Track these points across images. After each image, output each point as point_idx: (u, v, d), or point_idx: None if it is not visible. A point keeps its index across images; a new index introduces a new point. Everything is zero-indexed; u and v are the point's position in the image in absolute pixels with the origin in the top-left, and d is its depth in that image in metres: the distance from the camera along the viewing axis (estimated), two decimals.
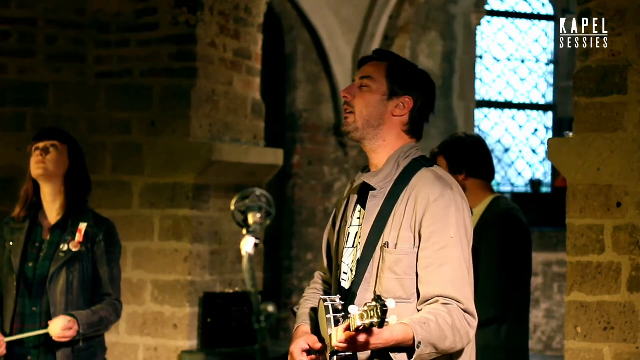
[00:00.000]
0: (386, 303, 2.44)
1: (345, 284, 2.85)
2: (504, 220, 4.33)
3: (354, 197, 2.92)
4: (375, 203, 2.81)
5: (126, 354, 5.67)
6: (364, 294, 2.76)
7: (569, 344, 4.05)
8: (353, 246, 2.86)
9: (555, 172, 10.18)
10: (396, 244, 2.73)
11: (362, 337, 2.54)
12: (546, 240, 9.61)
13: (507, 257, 4.28)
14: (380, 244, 2.75)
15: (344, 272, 2.86)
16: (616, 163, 3.99)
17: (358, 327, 2.49)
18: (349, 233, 2.89)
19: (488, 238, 4.25)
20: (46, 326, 3.88)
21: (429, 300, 2.69)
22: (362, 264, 2.78)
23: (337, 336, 2.63)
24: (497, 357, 4.27)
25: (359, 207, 2.89)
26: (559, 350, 9.37)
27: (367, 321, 2.46)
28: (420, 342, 2.58)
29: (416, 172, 2.80)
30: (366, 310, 2.46)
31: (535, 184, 10.41)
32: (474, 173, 4.36)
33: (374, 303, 2.46)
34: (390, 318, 2.46)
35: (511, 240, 4.32)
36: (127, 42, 5.70)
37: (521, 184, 10.52)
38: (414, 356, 2.59)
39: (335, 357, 2.75)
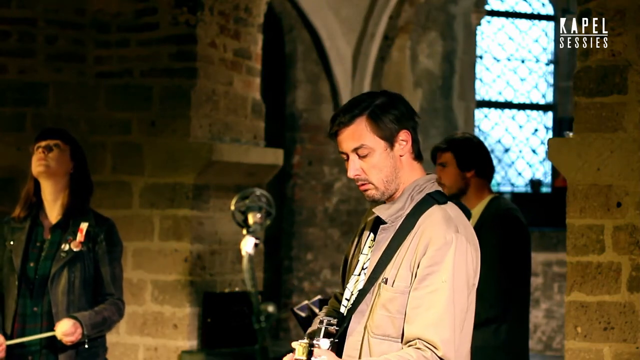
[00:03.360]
0: (315, 343, 2.49)
1: (344, 310, 2.84)
2: (503, 220, 4.34)
3: (370, 225, 2.89)
4: (384, 237, 2.78)
5: (126, 354, 5.67)
6: (356, 325, 2.75)
7: (569, 344, 4.05)
8: (359, 274, 2.84)
9: (555, 172, 10.18)
10: (394, 282, 2.70)
11: None
12: (546, 240, 9.61)
13: (507, 257, 4.28)
14: (380, 280, 2.73)
15: (346, 298, 2.86)
16: (616, 163, 3.99)
17: None
18: (358, 260, 2.87)
19: (487, 238, 4.23)
20: (47, 327, 3.88)
21: (409, 341, 2.65)
22: (361, 295, 2.76)
23: None
24: (497, 357, 4.27)
25: (372, 235, 2.86)
26: (559, 350, 9.37)
27: (299, 357, 2.51)
28: None
29: (427, 209, 2.74)
30: (301, 345, 2.52)
31: (535, 184, 10.41)
32: (481, 173, 4.40)
33: (306, 340, 2.50)
34: (319, 359, 2.51)
35: (510, 240, 4.33)
36: (127, 42, 5.70)
37: (521, 184, 10.52)
38: None
39: None
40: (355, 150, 2.75)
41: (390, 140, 2.74)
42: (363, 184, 2.77)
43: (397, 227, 2.75)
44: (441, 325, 2.63)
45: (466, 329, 2.73)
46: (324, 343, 2.49)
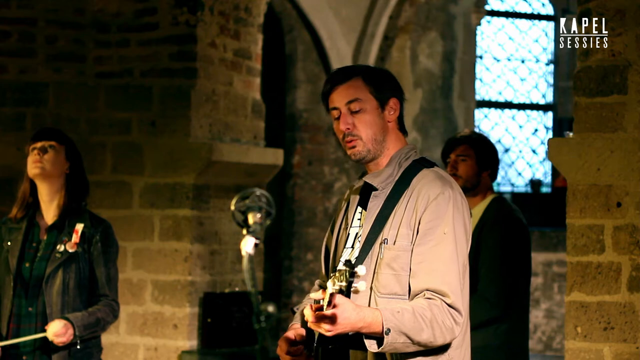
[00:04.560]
0: (356, 268, 2.50)
1: None
2: (504, 221, 4.36)
3: (355, 199, 2.95)
4: (376, 203, 2.85)
5: (126, 354, 5.67)
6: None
7: (569, 344, 4.05)
8: (352, 246, 2.89)
9: (555, 172, 10.18)
10: (395, 241, 2.76)
11: (327, 314, 2.54)
12: (546, 240, 9.60)
13: (508, 257, 4.29)
14: (379, 241, 2.78)
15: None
16: (616, 163, 3.99)
17: (330, 295, 2.52)
18: (349, 234, 2.92)
19: (488, 238, 4.27)
20: (42, 327, 3.88)
21: (418, 294, 2.72)
22: (359, 261, 2.80)
23: (308, 315, 2.63)
24: (497, 357, 4.27)
25: (359, 208, 2.92)
26: (559, 350, 9.36)
27: (337, 286, 2.51)
28: (389, 329, 2.60)
29: (417, 173, 2.84)
30: (337, 276, 2.53)
31: (535, 184, 10.41)
32: (492, 175, 4.49)
33: (344, 267, 2.53)
34: (359, 283, 2.54)
35: (511, 240, 4.34)
36: (127, 42, 5.70)
37: (521, 184, 10.52)
38: (384, 343, 2.60)
39: (320, 348, 2.78)
40: (349, 103, 2.84)
41: (382, 102, 2.87)
42: (351, 140, 2.85)
43: (388, 193, 2.84)
44: (447, 276, 2.71)
45: (465, 283, 2.80)
46: (361, 269, 2.50)
